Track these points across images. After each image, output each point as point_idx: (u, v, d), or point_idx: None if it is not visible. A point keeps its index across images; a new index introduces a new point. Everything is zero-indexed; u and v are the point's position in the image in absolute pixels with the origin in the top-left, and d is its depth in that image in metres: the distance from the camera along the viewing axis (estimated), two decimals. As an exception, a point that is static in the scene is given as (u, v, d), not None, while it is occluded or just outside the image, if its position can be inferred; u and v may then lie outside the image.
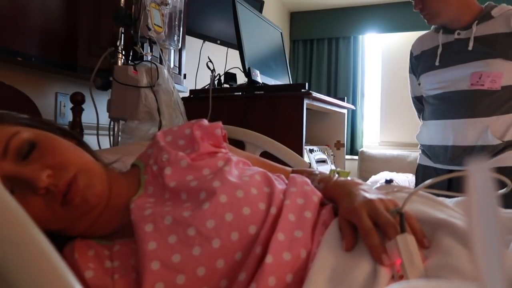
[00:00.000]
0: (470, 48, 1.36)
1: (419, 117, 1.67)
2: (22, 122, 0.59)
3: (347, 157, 3.42)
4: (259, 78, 1.59)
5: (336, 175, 0.70)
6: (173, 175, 0.62)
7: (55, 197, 0.54)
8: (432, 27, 1.55)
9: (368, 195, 0.56)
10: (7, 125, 0.56)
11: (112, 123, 1.23)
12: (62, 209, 0.55)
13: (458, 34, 1.40)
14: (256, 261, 0.51)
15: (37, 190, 0.52)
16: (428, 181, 0.54)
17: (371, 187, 0.63)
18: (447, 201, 0.66)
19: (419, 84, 1.57)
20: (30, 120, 0.61)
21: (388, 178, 0.73)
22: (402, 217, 0.50)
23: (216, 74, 1.70)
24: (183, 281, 0.50)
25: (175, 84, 1.27)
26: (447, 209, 0.57)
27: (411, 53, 1.61)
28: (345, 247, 0.51)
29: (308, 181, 0.66)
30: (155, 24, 1.17)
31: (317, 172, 0.75)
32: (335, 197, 0.62)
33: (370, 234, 0.50)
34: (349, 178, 0.68)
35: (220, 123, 0.75)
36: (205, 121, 0.74)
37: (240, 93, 1.63)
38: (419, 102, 1.64)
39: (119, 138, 1.21)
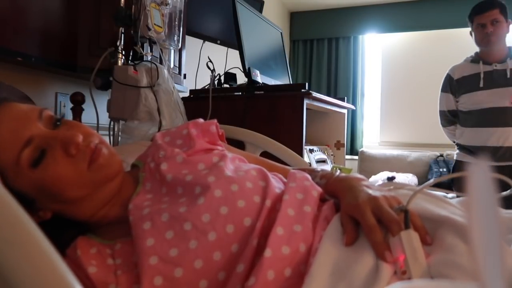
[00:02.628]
0: (508, 76, 1.92)
1: (445, 126, 2.21)
2: None
3: (347, 157, 3.42)
4: (259, 78, 1.59)
5: (338, 171, 0.70)
6: (169, 169, 0.63)
7: (84, 158, 0.58)
8: (465, 59, 2.09)
9: (371, 192, 0.56)
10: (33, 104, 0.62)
11: (112, 123, 1.23)
12: (88, 171, 0.58)
13: (496, 66, 1.96)
14: (253, 253, 0.52)
15: (71, 147, 0.56)
16: (431, 181, 0.55)
17: (373, 183, 0.63)
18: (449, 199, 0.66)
19: (457, 101, 2.08)
20: None
21: (390, 176, 0.73)
22: (406, 214, 0.50)
23: (216, 74, 1.70)
24: (180, 274, 0.51)
25: (175, 84, 1.27)
26: (450, 206, 0.57)
27: (451, 77, 2.09)
28: (346, 241, 0.52)
29: (308, 176, 0.66)
30: (155, 24, 1.17)
31: (318, 169, 0.75)
32: (337, 192, 0.62)
33: (374, 230, 0.50)
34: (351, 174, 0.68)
35: (215, 121, 0.77)
36: (200, 120, 0.76)
37: (240, 93, 1.63)
38: (451, 115, 2.14)
39: (119, 138, 1.21)
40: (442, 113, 2.19)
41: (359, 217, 0.53)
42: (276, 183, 0.63)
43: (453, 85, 2.08)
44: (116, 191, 0.63)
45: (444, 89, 2.14)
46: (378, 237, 0.50)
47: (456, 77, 2.07)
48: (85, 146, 0.58)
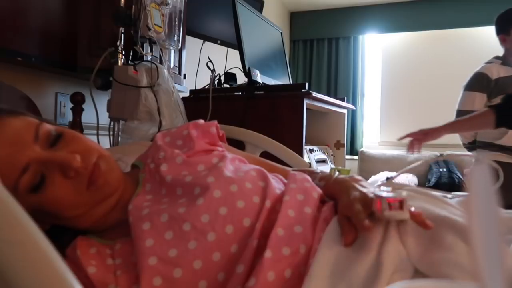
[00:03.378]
0: None
1: None
2: (37, 118, 0.61)
3: (347, 157, 3.41)
4: (259, 78, 1.59)
5: (337, 172, 0.70)
6: (169, 170, 0.63)
7: (83, 180, 0.57)
8: (491, 61, 2.08)
9: (365, 191, 0.57)
10: (29, 117, 0.59)
11: (112, 123, 1.23)
12: (87, 192, 0.58)
13: None
14: (252, 254, 0.52)
15: (70, 171, 0.55)
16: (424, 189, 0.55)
17: (371, 185, 0.63)
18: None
19: (491, 101, 2.00)
20: (40, 118, 0.63)
21: (388, 176, 0.74)
22: (382, 200, 0.51)
23: (216, 74, 1.70)
24: (180, 275, 0.51)
25: (175, 84, 1.27)
26: (449, 206, 0.57)
27: (488, 77, 2.03)
28: (344, 242, 0.52)
29: (309, 178, 0.66)
30: (155, 24, 1.17)
31: (318, 171, 0.75)
32: (335, 194, 0.62)
33: (358, 214, 0.52)
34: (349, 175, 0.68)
35: (215, 122, 0.77)
36: (201, 121, 0.76)
37: (240, 93, 1.63)
38: None
39: (119, 138, 1.21)
40: (467, 114, 2.14)
41: (350, 212, 0.53)
42: (276, 184, 0.63)
43: (491, 85, 2.03)
44: (115, 204, 0.62)
45: (476, 88, 2.06)
46: (361, 215, 0.51)
47: (494, 77, 2.04)
48: (83, 167, 0.57)
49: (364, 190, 0.57)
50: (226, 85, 1.79)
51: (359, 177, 0.65)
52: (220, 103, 1.52)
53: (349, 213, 0.54)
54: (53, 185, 0.55)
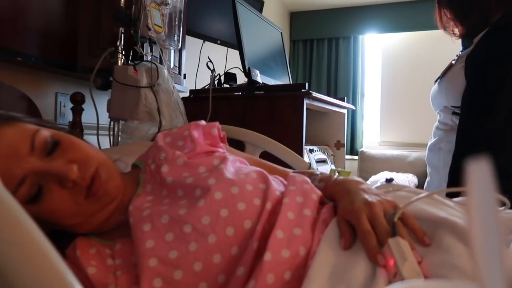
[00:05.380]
0: None
1: None
2: (35, 122, 0.60)
3: (347, 157, 3.42)
4: (259, 78, 1.59)
5: (337, 174, 0.70)
6: (170, 172, 0.63)
7: (81, 190, 0.57)
8: None
9: (368, 197, 0.56)
10: (25, 124, 0.58)
11: (112, 123, 1.23)
12: (85, 202, 0.57)
13: None
14: (253, 256, 0.52)
15: (67, 182, 0.55)
16: (423, 194, 0.55)
17: (371, 186, 0.63)
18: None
19: None
20: (39, 121, 0.63)
21: (388, 177, 0.73)
22: (394, 226, 0.51)
23: (216, 74, 1.70)
24: (180, 276, 0.51)
25: (175, 84, 1.27)
26: (448, 207, 0.57)
27: None
28: (344, 245, 0.52)
29: (308, 180, 0.66)
30: (155, 24, 1.17)
31: (317, 172, 0.75)
32: (335, 195, 0.62)
33: (368, 236, 0.50)
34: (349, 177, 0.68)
35: (217, 123, 0.77)
36: (202, 122, 0.76)
37: (240, 93, 1.63)
38: None
39: (119, 138, 1.21)
40: None
41: (355, 222, 0.53)
42: (277, 186, 0.62)
43: None
44: (115, 209, 0.62)
45: None
46: (372, 242, 0.50)
47: None
48: (81, 178, 0.56)
49: (367, 197, 0.56)
50: (226, 85, 1.79)
51: (360, 179, 0.65)
52: (220, 103, 1.52)
53: (352, 221, 0.53)
54: (50, 196, 0.55)
